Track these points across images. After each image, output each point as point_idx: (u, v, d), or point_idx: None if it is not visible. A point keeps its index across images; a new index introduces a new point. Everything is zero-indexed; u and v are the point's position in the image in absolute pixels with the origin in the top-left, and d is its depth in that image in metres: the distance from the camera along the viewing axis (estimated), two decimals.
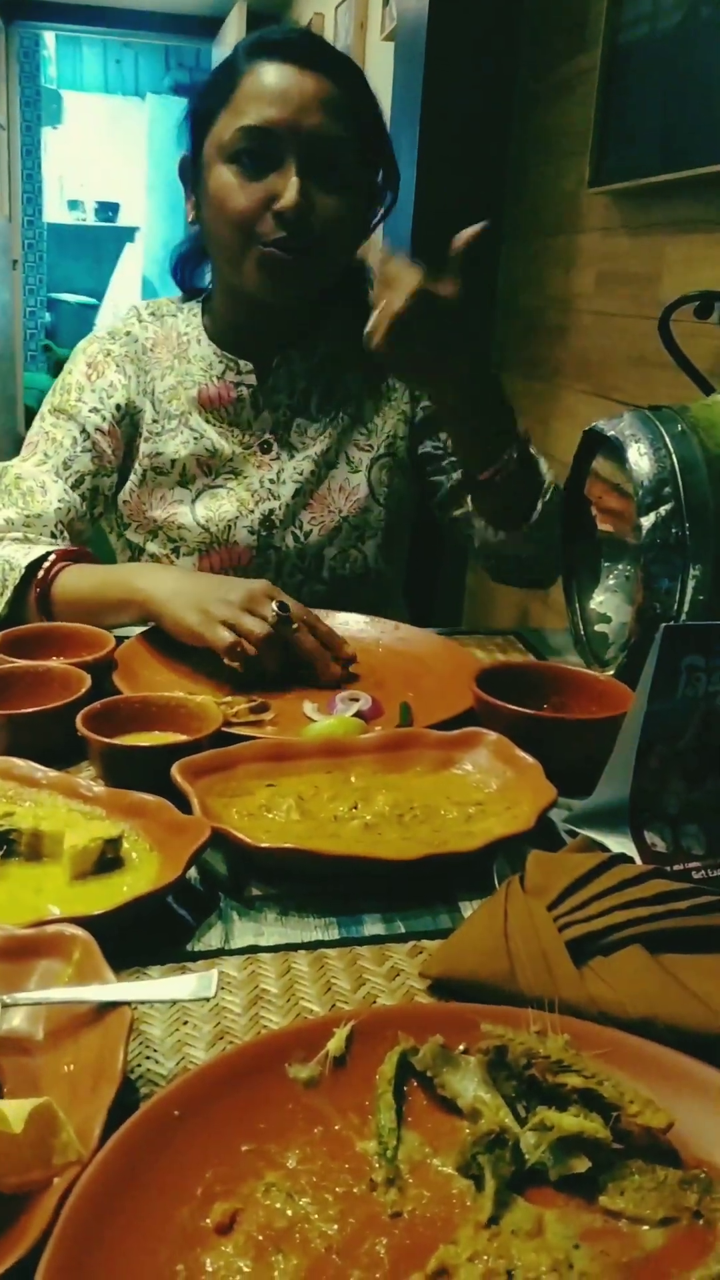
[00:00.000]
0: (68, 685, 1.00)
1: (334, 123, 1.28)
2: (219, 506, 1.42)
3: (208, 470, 1.42)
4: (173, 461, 1.42)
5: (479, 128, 2.55)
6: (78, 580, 1.25)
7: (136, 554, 1.47)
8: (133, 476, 1.44)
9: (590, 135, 2.00)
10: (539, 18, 2.42)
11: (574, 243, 2.20)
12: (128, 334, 1.47)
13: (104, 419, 1.42)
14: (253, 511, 1.42)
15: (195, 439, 1.42)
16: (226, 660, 1.09)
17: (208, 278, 1.50)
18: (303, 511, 1.44)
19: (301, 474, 1.44)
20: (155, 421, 1.43)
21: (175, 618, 1.14)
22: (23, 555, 1.26)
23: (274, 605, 1.12)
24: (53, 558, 1.26)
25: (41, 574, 1.25)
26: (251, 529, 1.42)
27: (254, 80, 1.28)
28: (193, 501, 1.42)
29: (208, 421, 1.43)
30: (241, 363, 1.43)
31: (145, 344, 1.46)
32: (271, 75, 1.28)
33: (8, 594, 1.24)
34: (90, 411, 1.41)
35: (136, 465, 1.43)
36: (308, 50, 1.30)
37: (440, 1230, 0.49)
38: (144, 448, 1.43)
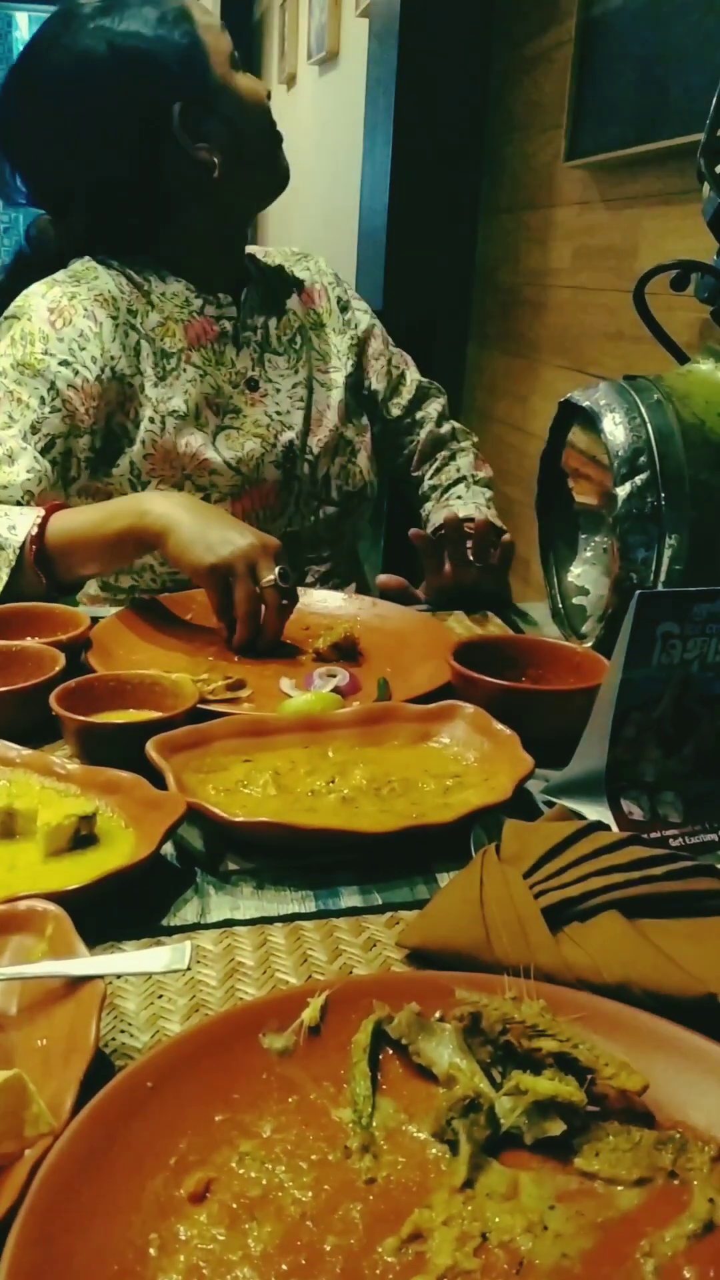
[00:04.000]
0: (41, 664, 0.99)
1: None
2: (244, 445, 1.41)
3: (216, 410, 1.41)
4: (186, 403, 1.38)
5: (455, 102, 2.54)
6: (70, 520, 1.19)
7: None
8: (149, 427, 1.36)
9: (565, 109, 1.99)
10: None
11: (551, 217, 2.19)
12: (94, 276, 1.38)
13: (75, 373, 1.31)
14: (274, 445, 1.44)
15: (201, 377, 1.41)
16: (215, 615, 1.12)
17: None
18: (310, 436, 1.49)
19: (302, 401, 1.48)
20: (158, 365, 1.37)
21: (182, 544, 1.11)
22: (8, 529, 1.19)
23: (276, 571, 1.11)
24: (40, 515, 1.20)
25: (34, 531, 1.18)
26: (277, 463, 1.44)
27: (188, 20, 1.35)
28: (214, 444, 1.39)
29: (201, 359, 1.42)
30: (221, 295, 1.44)
31: (114, 285, 1.38)
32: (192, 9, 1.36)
33: (4, 574, 1.17)
34: (60, 365, 1.30)
35: (153, 414, 1.36)
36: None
37: (415, 1195, 0.49)
38: (154, 394, 1.36)
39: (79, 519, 1.20)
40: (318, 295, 1.59)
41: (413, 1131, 0.53)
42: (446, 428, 1.67)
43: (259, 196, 1.46)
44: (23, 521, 1.20)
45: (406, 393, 1.65)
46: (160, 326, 1.39)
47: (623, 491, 1.00)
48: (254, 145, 1.39)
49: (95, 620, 1.14)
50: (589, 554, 1.20)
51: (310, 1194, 0.49)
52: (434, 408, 1.67)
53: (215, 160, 1.36)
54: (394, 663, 1.12)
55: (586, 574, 1.19)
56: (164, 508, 1.14)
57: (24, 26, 9.83)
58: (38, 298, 1.36)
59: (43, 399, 1.30)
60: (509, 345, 2.42)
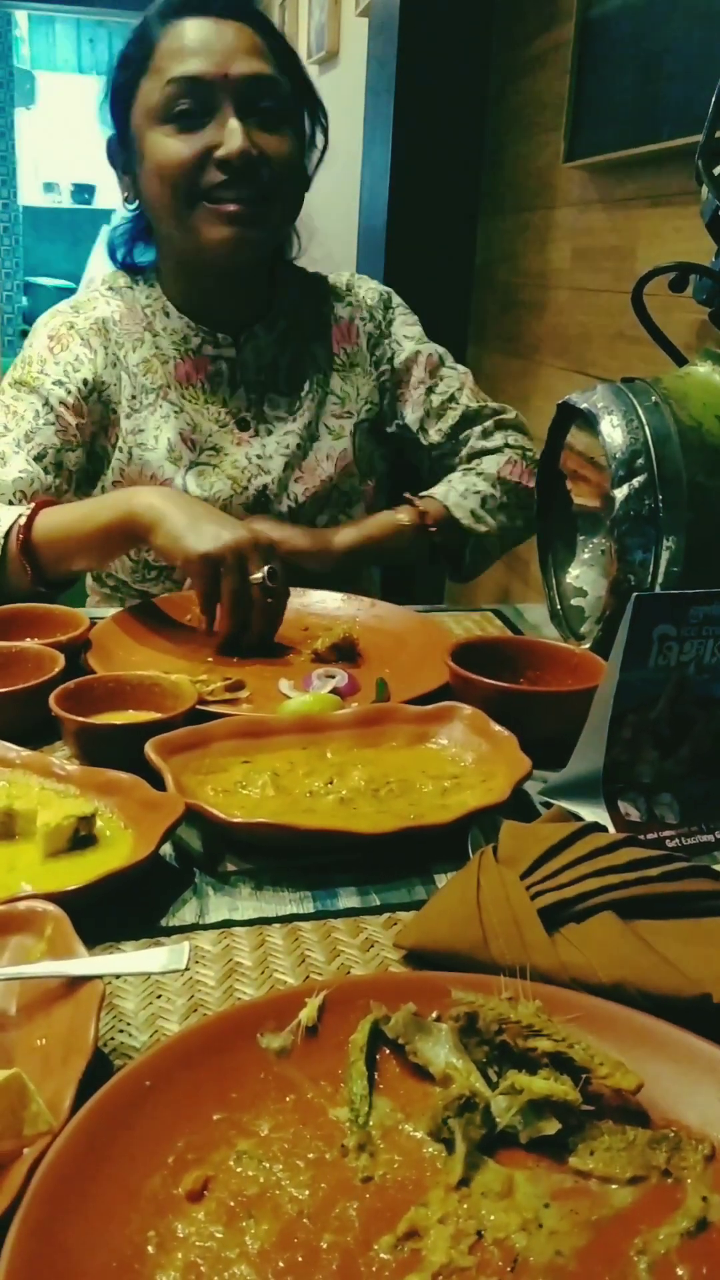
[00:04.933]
0: (41, 665, 1.00)
1: (262, 64, 1.27)
2: (211, 485, 1.39)
3: (192, 446, 1.40)
4: (156, 437, 1.39)
5: (454, 103, 2.54)
6: (58, 514, 1.22)
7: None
8: (118, 455, 1.40)
9: (565, 109, 1.99)
10: None
11: (550, 218, 2.20)
12: (93, 307, 1.43)
13: (69, 392, 1.36)
14: (246, 488, 1.41)
15: (175, 413, 1.40)
16: (199, 607, 1.13)
17: (150, 255, 1.48)
18: (293, 483, 1.44)
19: (288, 448, 1.43)
20: (134, 398, 1.40)
21: (171, 535, 1.11)
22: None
23: (265, 570, 1.11)
24: (29, 508, 1.23)
25: (22, 521, 1.21)
26: (247, 506, 1.41)
27: (171, 39, 1.27)
28: (183, 479, 1.39)
29: (184, 397, 1.41)
30: (220, 335, 1.42)
31: (111, 317, 1.42)
32: (189, 30, 1.26)
33: None
34: (54, 384, 1.36)
35: (121, 443, 1.40)
36: (218, 1, 1.28)
37: (411, 1193, 0.49)
38: (125, 424, 1.40)
39: (67, 512, 1.23)
40: (353, 334, 1.51)
41: (409, 1130, 0.53)
42: (496, 440, 1.53)
43: (196, 255, 1.34)
44: (8, 515, 1.23)
45: (451, 417, 1.52)
46: (144, 362, 1.40)
47: (620, 494, 1.00)
48: (158, 205, 1.32)
49: (95, 621, 1.14)
50: (587, 556, 1.20)
51: (307, 1192, 0.49)
52: (483, 429, 1.53)
53: (135, 198, 1.37)
54: (392, 664, 1.13)
55: (585, 575, 1.19)
56: (153, 499, 1.15)
57: (23, 25, 9.84)
58: (42, 326, 1.44)
59: (37, 412, 1.36)
60: (508, 346, 2.43)
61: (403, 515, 1.41)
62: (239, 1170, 0.50)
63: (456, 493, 1.44)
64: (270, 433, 1.43)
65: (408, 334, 1.54)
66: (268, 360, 1.44)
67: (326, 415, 1.47)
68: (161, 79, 1.26)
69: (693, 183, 1.12)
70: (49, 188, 10.39)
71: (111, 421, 1.40)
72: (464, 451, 1.53)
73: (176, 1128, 0.51)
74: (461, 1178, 0.49)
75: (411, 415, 1.53)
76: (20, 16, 9.45)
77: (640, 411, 1.03)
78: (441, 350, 1.56)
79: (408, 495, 1.44)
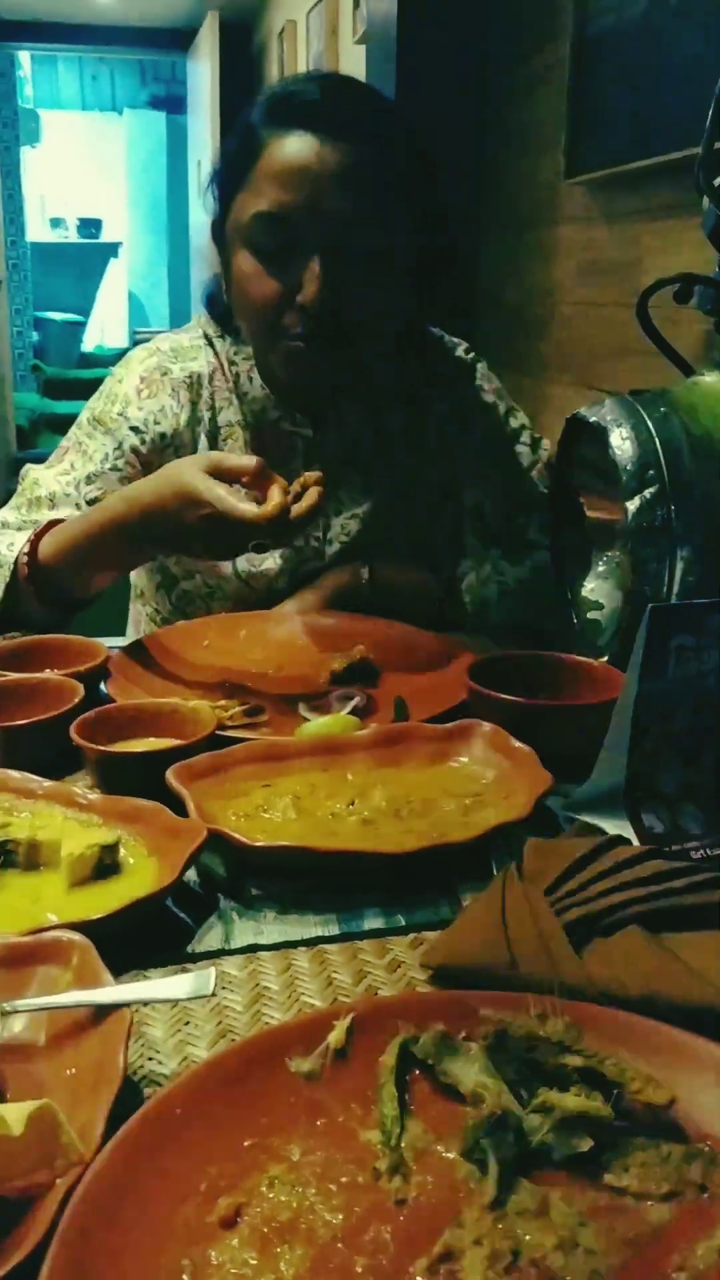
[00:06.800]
0: (61, 696, 1.00)
1: (360, 198, 1.17)
2: (262, 562, 1.34)
3: None
4: None
5: (453, 125, 2.56)
6: (61, 531, 1.20)
7: (171, 583, 1.41)
8: None
9: (563, 126, 2.00)
10: (508, 12, 2.42)
11: (552, 234, 2.21)
12: (191, 358, 1.37)
13: (143, 442, 1.32)
14: (295, 570, 1.36)
15: (246, 488, 1.35)
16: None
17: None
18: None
19: (349, 535, 1.37)
20: None
21: (155, 492, 1.09)
22: (6, 547, 1.23)
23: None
24: (34, 531, 1.22)
25: (27, 548, 1.20)
26: (291, 584, 1.36)
27: (270, 157, 1.18)
28: None
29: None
30: (297, 415, 1.35)
31: (205, 373, 1.36)
32: (289, 151, 1.17)
33: (1, 593, 1.20)
34: (130, 430, 1.32)
35: None
36: (330, 114, 1.17)
37: (445, 1215, 0.49)
38: None
39: (69, 526, 1.21)
40: (432, 407, 1.42)
41: (441, 1151, 0.53)
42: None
43: (271, 379, 1.31)
44: (20, 539, 1.22)
45: (506, 505, 1.44)
46: (227, 426, 1.35)
47: (632, 505, 1.00)
48: (240, 320, 1.29)
49: (113, 651, 1.15)
50: (602, 569, 1.20)
51: (341, 1216, 0.49)
52: (542, 522, 1.41)
53: (226, 298, 1.31)
54: (410, 682, 1.13)
55: (600, 588, 1.19)
56: (133, 488, 1.14)
57: (27, 65, 9.97)
58: (137, 363, 1.38)
59: (106, 455, 1.32)
60: (515, 362, 2.43)
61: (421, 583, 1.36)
62: (271, 1196, 0.50)
63: (479, 576, 1.36)
64: (339, 512, 1.37)
65: (482, 404, 1.45)
66: (349, 436, 1.38)
67: (396, 498, 1.39)
68: (254, 203, 1.19)
69: (694, 195, 1.13)
70: (56, 223, 10.50)
71: None
72: (517, 540, 1.43)
73: (208, 1155, 0.51)
74: (496, 1198, 0.49)
75: (470, 496, 1.45)
76: (24, 57, 9.57)
77: (649, 423, 1.03)
78: (518, 425, 1.46)
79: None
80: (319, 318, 1.18)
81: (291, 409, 1.35)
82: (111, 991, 0.59)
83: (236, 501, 1.04)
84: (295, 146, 1.16)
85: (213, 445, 1.36)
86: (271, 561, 1.35)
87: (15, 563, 1.21)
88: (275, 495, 1.04)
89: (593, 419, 1.07)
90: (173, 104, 9.77)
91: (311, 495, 1.06)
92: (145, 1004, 0.64)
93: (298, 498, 1.06)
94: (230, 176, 1.23)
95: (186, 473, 1.07)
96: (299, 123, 1.17)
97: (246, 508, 1.03)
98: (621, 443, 1.02)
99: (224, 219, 1.25)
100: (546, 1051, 0.55)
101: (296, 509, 1.05)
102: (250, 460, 1.07)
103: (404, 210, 1.22)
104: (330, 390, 1.28)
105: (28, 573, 1.20)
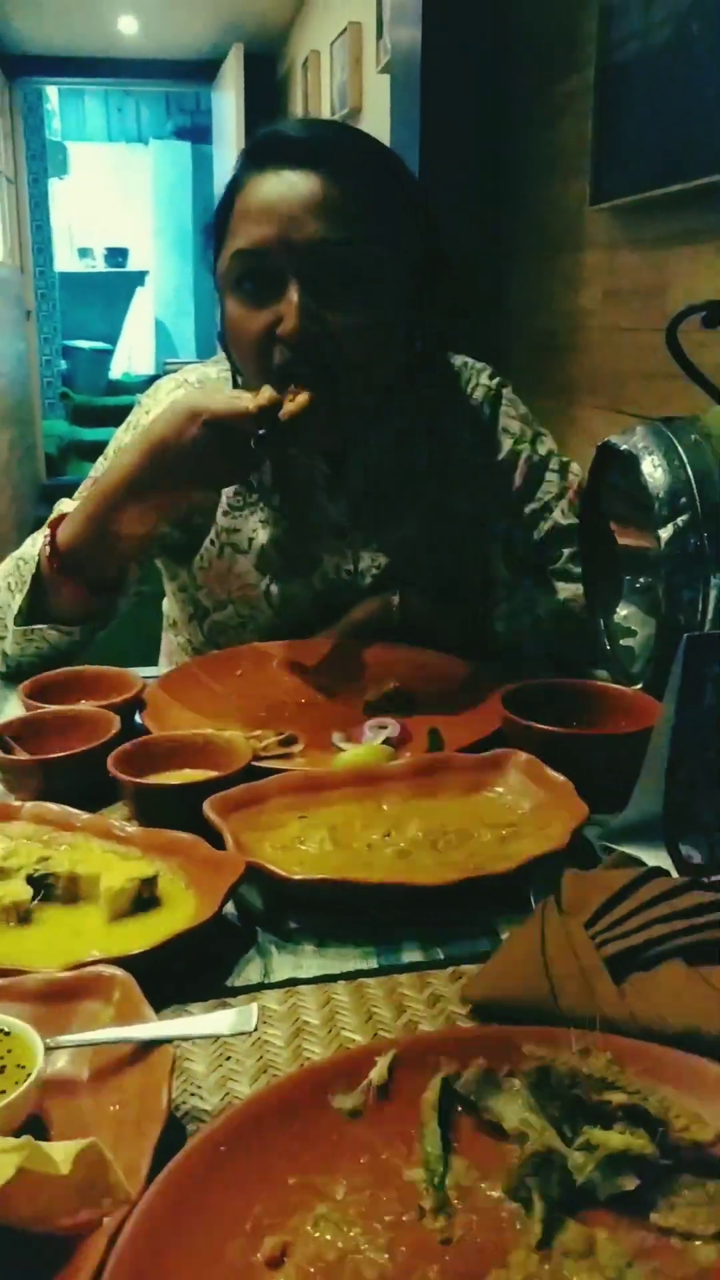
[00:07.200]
0: (97, 727, 1.01)
1: (337, 225, 1.14)
2: (295, 594, 1.34)
3: (284, 553, 1.34)
4: (250, 540, 1.34)
5: (477, 154, 2.58)
6: (75, 511, 1.21)
7: (203, 614, 1.41)
8: (209, 547, 1.35)
9: (588, 153, 2.02)
10: (530, 42, 2.44)
11: (578, 260, 2.22)
12: (219, 390, 1.34)
13: None
14: (327, 601, 1.35)
15: (275, 519, 1.33)
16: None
17: None
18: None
19: (379, 567, 1.35)
20: (237, 494, 1.34)
21: (159, 420, 1.12)
22: (31, 543, 1.24)
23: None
24: (49, 523, 1.23)
25: (47, 539, 1.21)
26: (322, 615, 1.35)
27: (246, 196, 1.17)
28: (268, 586, 1.34)
29: (285, 499, 1.34)
30: (316, 455, 1.33)
31: None
32: (263, 187, 1.16)
33: (26, 586, 1.21)
34: None
35: (214, 537, 1.35)
36: (305, 147, 1.16)
37: (491, 1255, 0.49)
38: (222, 521, 1.35)
39: (81, 504, 1.21)
40: (457, 436, 1.39)
41: (486, 1190, 0.53)
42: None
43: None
44: (44, 535, 1.24)
45: (541, 531, 1.39)
46: None
47: (665, 533, 1.00)
48: (243, 366, 1.25)
49: (147, 681, 1.15)
50: (634, 595, 1.20)
51: (386, 1255, 0.49)
52: (573, 551, 1.37)
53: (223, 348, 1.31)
54: (443, 712, 1.13)
55: (633, 615, 1.19)
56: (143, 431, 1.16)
57: (54, 99, 10.12)
58: (165, 394, 1.38)
59: None
60: (543, 388, 2.44)
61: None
62: (317, 1235, 0.50)
63: (510, 605, 1.35)
64: (367, 544, 1.36)
65: (509, 429, 1.40)
66: (375, 466, 1.35)
67: (425, 528, 1.37)
68: (233, 243, 1.18)
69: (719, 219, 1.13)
70: (83, 253, 10.63)
71: (206, 510, 1.36)
72: (549, 568, 1.39)
73: (253, 1193, 0.51)
74: (542, 1238, 0.49)
75: (499, 526, 1.41)
76: (51, 91, 9.72)
77: (681, 450, 1.03)
78: (545, 451, 1.41)
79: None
80: (300, 348, 1.15)
81: (303, 449, 1.33)
82: (155, 1027, 0.59)
83: (231, 396, 1.10)
84: (270, 182, 1.16)
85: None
86: (303, 592, 1.35)
87: (39, 555, 1.21)
88: (267, 390, 1.08)
89: (624, 447, 1.07)
90: (197, 134, 9.90)
91: (301, 399, 1.09)
92: (188, 1040, 0.64)
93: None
94: (218, 225, 1.23)
95: (187, 397, 1.13)
96: (276, 160, 1.16)
97: (242, 396, 1.10)
98: (654, 471, 1.02)
99: (215, 268, 1.24)
100: (589, 1088, 0.54)
101: (287, 408, 1.07)
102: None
103: (387, 234, 1.19)
104: (329, 424, 1.22)
105: (52, 563, 1.20)
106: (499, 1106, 0.56)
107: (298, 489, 1.35)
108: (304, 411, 1.09)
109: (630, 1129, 0.52)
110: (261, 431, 1.06)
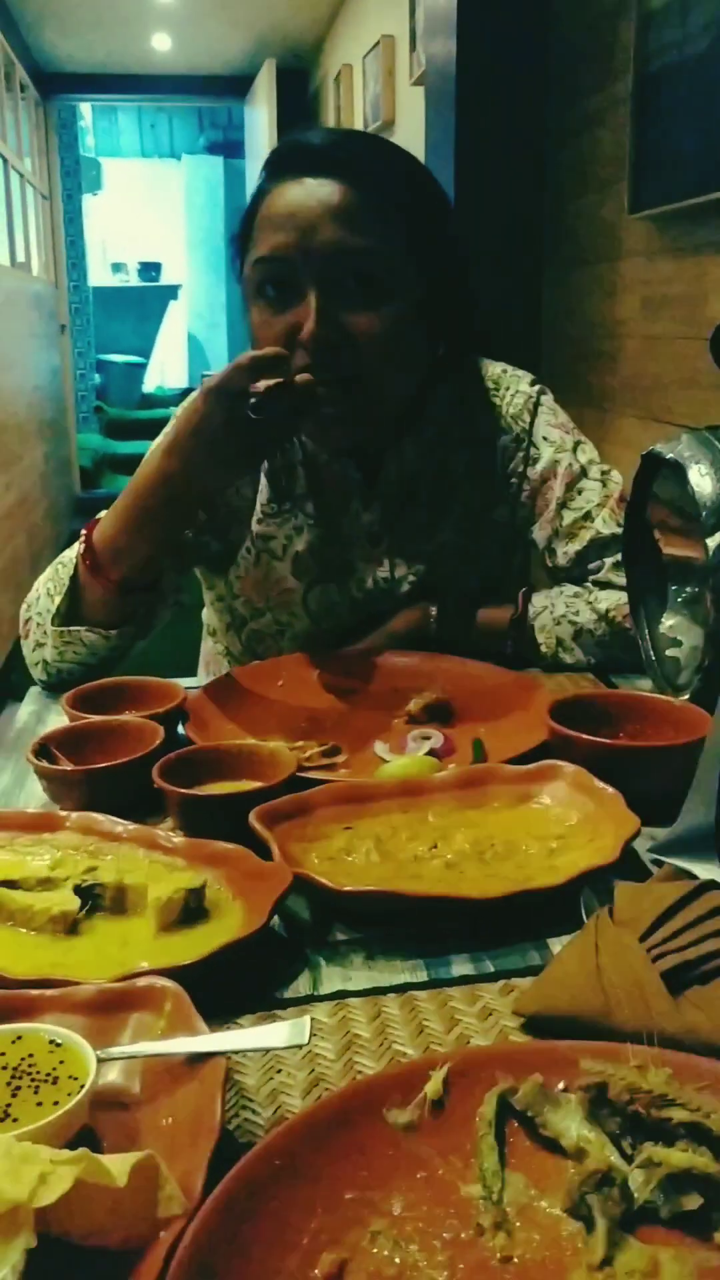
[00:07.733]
0: (141, 738, 1.01)
1: (355, 232, 1.16)
2: (331, 602, 1.35)
3: (320, 559, 1.35)
4: (285, 547, 1.35)
5: (513, 164, 2.57)
6: (109, 512, 1.22)
7: (240, 623, 1.42)
8: (245, 555, 1.37)
9: (626, 162, 2.01)
10: (567, 51, 2.44)
11: (616, 269, 2.21)
12: None
13: None
14: (364, 610, 1.36)
15: (310, 525, 1.35)
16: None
17: None
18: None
19: (417, 574, 1.35)
20: (271, 501, 1.35)
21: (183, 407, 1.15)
22: (72, 551, 1.25)
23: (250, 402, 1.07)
24: (86, 526, 1.24)
25: (83, 542, 1.22)
26: (360, 624, 1.36)
27: (268, 204, 1.20)
28: (305, 592, 1.35)
29: (319, 507, 1.35)
30: (347, 461, 1.34)
31: None
32: (284, 195, 1.18)
33: (65, 588, 1.22)
34: None
35: (250, 544, 1.36)
36: (325, 155, 1.18)
37: (552, 1274, 0.48)
38: (257, 529, 1.35)
39: (115, 505, 1.22)
40: (494, 442, 1.39)
41: (545, 1207, 0.52)
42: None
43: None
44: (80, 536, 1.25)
45: (582, 539, 1.36)
46: (288, 466, 1.35)
47: (713, 542, 0.99)
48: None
49: (189, 692, 1.15)
50: (680, 604, 1.19)
51: (445, 1274, 0.48)
52: (616, 560, 1.34)
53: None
54: (487, 723, 1.12)
55: (679, 625, 1.18)
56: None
57: (88, 115, 10.22)
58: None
59: None
60: (581, 396, 2.43)
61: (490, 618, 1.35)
62: (374, 1251, 0.49)
63: (552, 615, 1.32)
64: (402, 551, 1.36)
65: (548, 437, 1.39)
66: (410, 472, 1.35)
67: (460, 536, 1.37)
68: (255, 252, 1.20)
69: None
70: (117, 268, 10.73)
71: (243, 520, 1.37)
72: (589, 581, 1.37)
73: (309, 1208, 0.50)
74: (604, 1257, 0.48)
75: (540, 534, 1.39)
76: (85, 108, 9.82)
77: None
78: (586, 460, 1.38)
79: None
80: (319, 353, 1.16)
81: (328, 451, 1.34)
82: (208, 1040, 0.59)
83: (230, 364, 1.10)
84: (291, 190, 1.18)
85: (272, 485, 1.36)
86: (340, 601, 1.35)
87: (76, 557, 1.23)
88: (267, 350, 1.10)
89: (669, 455, 1.07)
90: (230, 149, 9.97)
91: (304, 376, 1.10)
92: (240, 1052, 0.64)
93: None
94: (243, 233, 1.24)
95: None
96: (297, 168, 1.18)
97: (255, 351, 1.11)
98: (701, 479, 1.01)
99: (241, 276, 1.26)
100: (648, 1104, 0.54)
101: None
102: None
103: (407, 241, 1.20)
104: (354, 428, 1.25)
105: (85, 560, 1.22)
106: (556, 1122, 0.55)
107: (330, 495, 1.35)
108: (306, 385, 1.09)
109: (692, 1146, 0.51)
110: (254, 400, 1.05)
